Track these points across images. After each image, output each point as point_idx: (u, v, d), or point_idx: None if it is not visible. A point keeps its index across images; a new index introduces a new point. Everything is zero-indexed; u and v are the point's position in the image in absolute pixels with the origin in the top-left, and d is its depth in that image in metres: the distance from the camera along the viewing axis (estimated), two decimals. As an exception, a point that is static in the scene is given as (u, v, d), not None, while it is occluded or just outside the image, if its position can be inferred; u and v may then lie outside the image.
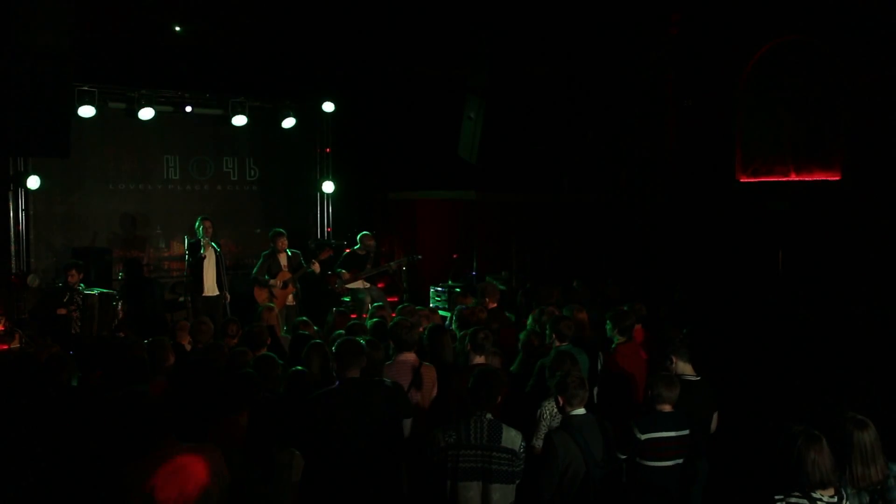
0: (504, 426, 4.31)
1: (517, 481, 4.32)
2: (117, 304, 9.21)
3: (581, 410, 4.46)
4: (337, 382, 4.71)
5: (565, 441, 4.32)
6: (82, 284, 8.93)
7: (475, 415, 4.30)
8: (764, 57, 10.00)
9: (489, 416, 4.32)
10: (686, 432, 4.61)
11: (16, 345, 7.91)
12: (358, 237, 10.10)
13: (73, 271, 8.83)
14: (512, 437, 4.28)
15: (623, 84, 11.31)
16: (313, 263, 9.63)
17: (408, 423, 4.90)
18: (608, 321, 6.10)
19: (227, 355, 5.73)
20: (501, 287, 9.15)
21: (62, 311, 8.69)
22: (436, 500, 4.32)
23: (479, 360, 5.39)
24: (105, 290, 9.30)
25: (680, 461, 4.61)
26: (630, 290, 8.34)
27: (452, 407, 5.10)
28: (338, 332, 6.36)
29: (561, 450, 4.29)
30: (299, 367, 5.18)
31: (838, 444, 3.59)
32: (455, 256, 11.59)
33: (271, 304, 7.66)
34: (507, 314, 7.73)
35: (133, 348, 5.80)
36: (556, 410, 4.82)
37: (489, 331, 5.73)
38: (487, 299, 7.59)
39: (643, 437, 4.47)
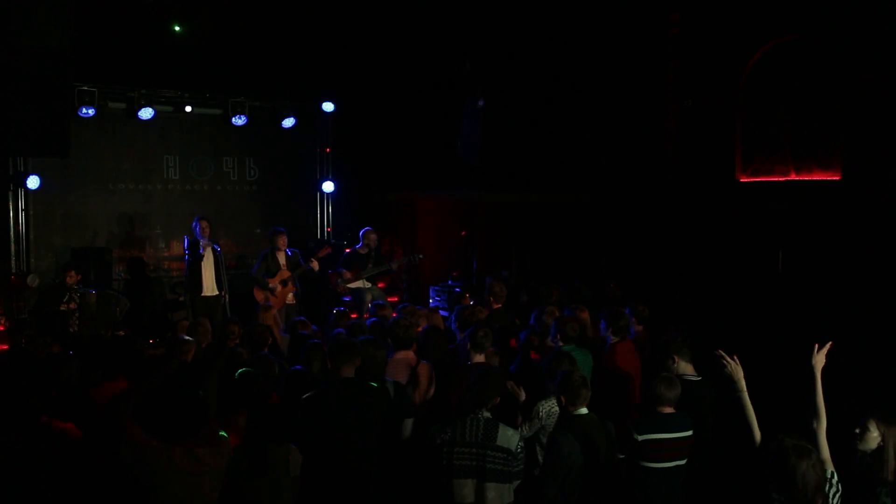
0: (501, 425, 4.30)
1: (515, 481, 4.30)
2: (116, 304, 9.21)
3: (584, 410, 4.45)
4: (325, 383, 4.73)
5: (569, 441, 4.31)
6: (78, 285, 8.91)
7: (472, 413, 4.30)
8: (764, 57, 10.00)
9: (487, 414, 4.31)
10: (689, 433, 4.58)
11: (16, 344, 7.91)
12: (361, 233, 10.08)
13: (72, 272, 8.82)
14: (508, 437, 4.26)
15: (623, 84, 11.31)
16: (312, 261, 9.63)
17: (409, 422, 4.90)
18: (602, 321, 6.11)
19: (225, 355, 5.73)
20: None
21: (63, 307, 8.69)
22: (433, 497, 4.33)
23: (479, 358, 5.40)
24: (103, 289, 9.30)
25: (682, 462, 4.57)
26: (630, 290, 8.33)
27: (452, 405, 5.11)
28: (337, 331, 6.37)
29: (565, 450, 4.27)
30: (298, 367, 5.19)
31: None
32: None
33: (269, 304, 7.67)
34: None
35: (133, 348, 5.82)
36: (552, 410, 4.82)
37: (489, 329, 5.74)
38: (491, 299, 7.58)
39: (640, 438, 4.42)
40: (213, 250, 9.35)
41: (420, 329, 6.25)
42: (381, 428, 4.67)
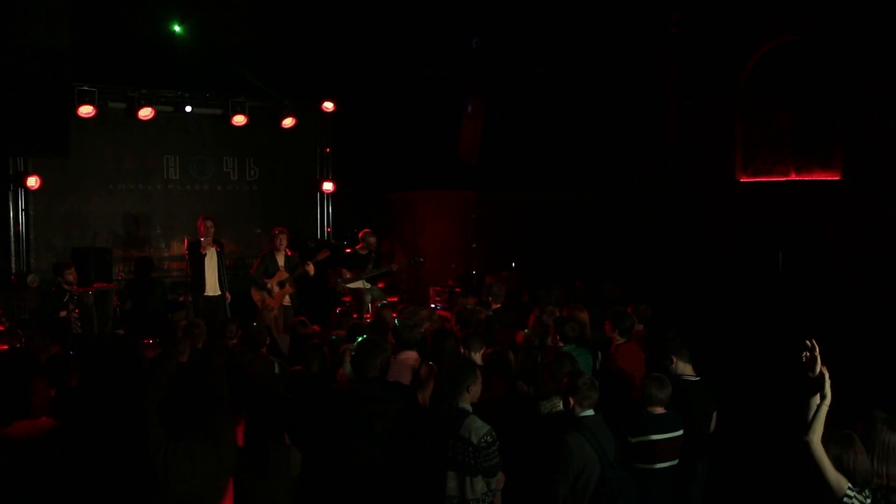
0: (470, 417, 4.28)
1: (486, 477, 4.21)
2: (121, 303, 9.20)
3: (590, 412, 4.44)
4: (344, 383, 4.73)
5: (580, 443, 4.28)
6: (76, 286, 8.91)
7: (450, 403, 4.37)
8: (764, 57, 10.01)
9: (464, 405, 4.34)
10: (679, 433, 4.58)
11: (16, 345, 7.90)
12: (360, 235, 10.06)
13: (72, 269, 8.75)
14: (472, 429, 4.21)
15: (623, 84, 11.31)
16: (307, 265, 9.57)
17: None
18: (608, 321, 6.09)
19: (225, 355, 5.73)
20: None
21: (63, 314, 8.67)
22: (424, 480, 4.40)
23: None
24: (100, 287, 9.29)
25: (674, 462, 4.58)
26: (630, 290, 8.33)
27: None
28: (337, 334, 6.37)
29: (576, 452, 4.25)
30: (299, 367, 5.19)
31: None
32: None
33: (270, 306, 7.66)
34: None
35: (133, 347, 5.82)
36: (553, 410, 4.81)
37: (492, 330, 5.75)
38: (490, 299, 7.57)
39: (634, 440, 4.43)
40: (215, 250, 9.33)
41: (424, 330, 6.25)
42: (406, 426, 4.65)
